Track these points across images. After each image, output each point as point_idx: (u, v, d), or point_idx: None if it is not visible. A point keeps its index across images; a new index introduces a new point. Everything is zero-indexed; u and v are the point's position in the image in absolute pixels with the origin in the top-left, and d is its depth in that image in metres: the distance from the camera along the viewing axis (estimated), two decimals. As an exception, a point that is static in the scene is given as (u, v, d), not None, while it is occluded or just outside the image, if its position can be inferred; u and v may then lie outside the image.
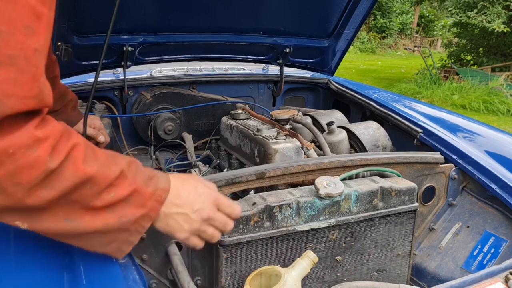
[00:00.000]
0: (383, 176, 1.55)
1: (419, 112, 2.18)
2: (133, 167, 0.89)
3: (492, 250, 1.57)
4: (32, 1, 0.70)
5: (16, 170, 0.72)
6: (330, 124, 1.94)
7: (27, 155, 0.72)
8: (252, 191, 1.54)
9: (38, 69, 0.72)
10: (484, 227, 1.65)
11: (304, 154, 1.75)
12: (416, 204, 1.48)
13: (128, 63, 2.24)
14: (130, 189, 0.85)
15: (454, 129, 1.98)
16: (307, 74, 2.88)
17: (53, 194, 0.76)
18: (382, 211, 1.41)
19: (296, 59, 2.66)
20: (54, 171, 0.76)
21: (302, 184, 1.50)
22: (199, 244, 1.01)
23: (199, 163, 2.03)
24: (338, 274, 1.42)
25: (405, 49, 18.49)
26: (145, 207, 0.88)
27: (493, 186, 1.63)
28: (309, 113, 2.24)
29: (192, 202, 0.97)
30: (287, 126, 1.96)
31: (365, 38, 21.75)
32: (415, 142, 1.96)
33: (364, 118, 2.38)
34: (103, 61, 1.99)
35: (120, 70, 2.34)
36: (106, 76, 2.37)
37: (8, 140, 0.71)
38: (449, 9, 12.05)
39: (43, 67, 0.74)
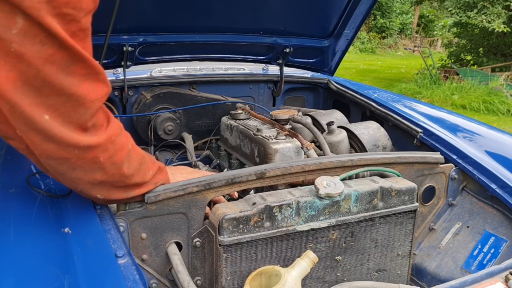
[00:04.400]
0: (383, 176, 1.55)
1: (419, 112, 2.18)
2: (141, 150, 1.21)
3: (492, 250, 1.57)
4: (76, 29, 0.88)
5: (114, 153, 1.01)
6: (330, 124, 1.94)
7: (119, 141, 1.02)
8: (252, 191, 1.54)
9: (99, 71, 0.93)
10: (484, 227, 1.65)
11: (304, 154, 1.75)
12: (416, 204, 1.48)
13: (128, 63, 2.24)
14: (156, 167, 1.22)
15: (454, 129, 1.98)
16: (307, 74, 2.88)
17: (131, 170, 1.09)
18: (382, 211, 1.41)
19: (296, 59, 2.66)
20: (131, 151, 1.08)
21: (302, 184, 1.50)
22: None
23: (199, 163, 2.03)
24: (338, 274, 1.42)
25: (405, 49, 18.49)
26: (163, 174, 1.27)
27: (493, 186, 1.63)
28: (309, 113, 2.24)
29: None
30: (287, 126, 1.96)
31: (365, 38, 21.75)
32: (415, 142, 1.96)
33: (364, 118, 2.37)
34: (103, 61, 1.99)
35: (120, 70, 2.34)
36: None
37: (109, 131, 0.99)
38: (449, 9, 12.06)
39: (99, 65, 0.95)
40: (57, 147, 0.91)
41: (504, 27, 10.12)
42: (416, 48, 13.34)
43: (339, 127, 2.00)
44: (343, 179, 1.39)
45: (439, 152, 1.77)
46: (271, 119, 2.04)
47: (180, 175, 1.35)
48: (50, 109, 0.87)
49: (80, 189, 1.07)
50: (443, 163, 1.73)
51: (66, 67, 0.85)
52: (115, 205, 1.34)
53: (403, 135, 2.05)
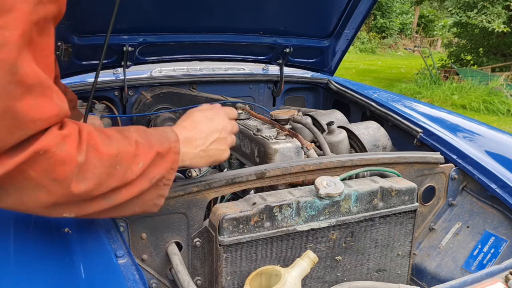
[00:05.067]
0: (383, 176, 1.54)
1: (419, 112, 2.18)
2: (141, 133, 0.97)
3: (492, 250, 1.57)
4: (34, 35, 0.75)
5: (50, 168, 0.78)
6: (330, 124, 1.94)
7: (58, 153, 0.79)
8: (252, 191, 1.54)
9: (49, 89, 0.77)
10: (484, 227, 1.65)
11: (304, 154, 1.75)
12: (416, 204, 1.48)
13: (128, 63, 2.24)
14: (152, 154, 0.94)
15: (454, 129, 1.98)
16: (307, 74, 2.87)
17: (90, 183, 0.84)
18: (382, 211, 1.41)
19: (296, 59, 2.66)
20: (84, 163, 0.82)
21: (302, 184, 1.50)
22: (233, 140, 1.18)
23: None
24: (338, 274, 1.42)
25: (405, 49, 18.49)
26: (167, 162, 0.97)
27: (493, 186, 1.63)
28: (309, 113, 2.24)
29: (204, 130, 1.10)
30: (287, 126, 1.96)
31: (365, 38, 21.75)
32: (415, 142, 1.96)
33: (364, 118, 2.37)
34: (103, 61, 2.00)
35: (120, 70, 2.34)
36: (106, 76, 2.37)
37: (39, 143, 0.77)
38: (449, 9, 12.06)
39: (53, 81, 0.79)
40: None
41: (504, 27, 10.12)
42: (416, 48, 13.34)
43: (339, 127, 2.00)
44: (343, 179, 1.39)
45: (439, 152, 1.77)
46: (271, 119, 2.04)
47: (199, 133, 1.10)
48: None
49: (41, 214, 0.88)
50: (443, 163, 1.73)
51: (10, 71, 0.71)
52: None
53: (403, 135, 2.05)
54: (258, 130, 1.86)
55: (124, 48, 2.13)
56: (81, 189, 0.83)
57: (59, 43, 1.90)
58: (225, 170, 1.96)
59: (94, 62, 2.17)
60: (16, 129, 0.73)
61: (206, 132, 1.10)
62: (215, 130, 1.12)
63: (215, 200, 1.46)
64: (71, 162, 0.80)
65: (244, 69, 2.82)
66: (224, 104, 2.41)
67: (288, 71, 2.75)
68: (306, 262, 1.22)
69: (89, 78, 2.28)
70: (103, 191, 0.87)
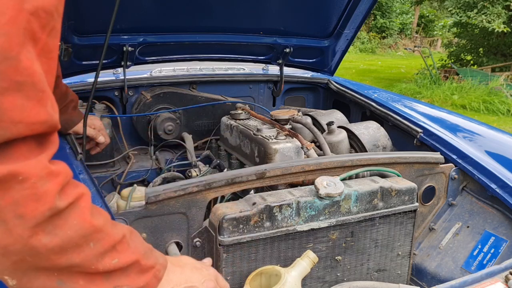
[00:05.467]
0: (383, 176, 1.55)
1: (419, 112, 2.18)
2: (134, 235, 0.86)
3: (492, 250, 1.57)
4: (35, 26, 0.68)
5: (22, 200, 0.67)
6: (330, 124, 1.94)
7: (37, 186, 0.68)
8: (252, 191, 1.54)
9: (45, 94, 0.69)
10: (484, 227, 1.65)
11: (304, 154, 1.75)
12: (416, 204, 1.48)
13: (128, 63, 2.24)
14: (132, 258, 0.81)
15: (454, 129, 1.98)
16: (307, 74, 2.88)
17: (55, 242, 0.70)
18: (382, 211, 1.41)
19: (296, 59, 2.66)
20: (60, 213, 0.71)
21: (302, 184, 1.50)
22: None
23: (199, 163, 2.03)
24: (338, 274, 1.42)
25: (405, 49, 18.49)
26: (143, 280, 0.83)
27: (493, 186, 1.63)
28: (309, 113, 2.24)
29: (190, 278, 0.95)
30: (287, 126, 1.96)
31: (365, 38, 21.75)
32: (415, 142, 1.96)
33: (364, 118, 2.37)
34: (103, 61, 1.99)
35: (120, 70, 2.34)
36: (106, 76, 2.37)
37: (19, 165, 0.66)
38: (449, 9, 12.06)
39: (50, 90, 0.72)
40: None
41: (504, 27, 10.12)
42: (416, 48, 13.34)
43: (339, 127, 2.00)
44: (343, 179, 1.39)
45: (439, 152, 1.77)
46: (271, 119, 2.04)
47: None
48: None
49: None
50: (443, 163, 1.73)
51: None
52: (115, 205, 1.34)
53: (403, 135, 2.05)
54: (258, 130, 1.86)
55: (124, 48, 2.13)
56: (40, 242, 0.69)
57: (59, 43, 1.90)
58: (225, 170, 1.96)
59: (94, 62, 2.17)
60: None
61: (193, 280, 0.96)
62: (199, 281, 0.97)
63: (215, 200, 1.46)
64: (46, 202, 0.68)
65: (244, 69, 2.82)
66: (224, 104, 2.43)
67: (288, 71, 2.75)
68: (306, 262, 1.22)
69: (89, 78, 2.28)
70: (58, 264, 0.72)
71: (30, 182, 0.67)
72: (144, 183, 2.15)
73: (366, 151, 1.91)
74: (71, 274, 0.74)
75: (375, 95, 2.38)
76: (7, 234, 0.67)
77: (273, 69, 2.78)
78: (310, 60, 2.70)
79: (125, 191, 1.30)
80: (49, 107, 0.70)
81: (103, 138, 1.80)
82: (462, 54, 12.86)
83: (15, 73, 0.65)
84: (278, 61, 2.63)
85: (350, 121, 2.24)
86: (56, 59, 0.74)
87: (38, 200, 0.68)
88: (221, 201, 1.51)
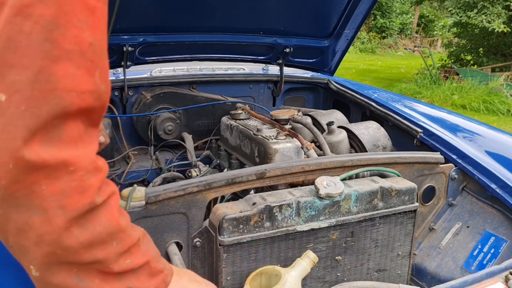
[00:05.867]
0: (383, 176, 1.55)
1: (419, 112, 2.18)
2: (146, 238, 0.87)
3: (492, 250, 1.57)
4: None
5: (68, 191, 0.67)
6: (330, 124, 1.94)
7: (83, 179, 0.69)
8: (252, 191, 1.54)
9: (93, 64, 0.69)
10: (484, 227, 1.65)
11: (304, 154, 1.75)
12: (416, 204, 1.48)
13: (128, 63, 2.24)
14: (143, 260, 0.82)
15: (454, 129, 1.98)
16: (307, 74, 2.88)
17: (85, 236, 0.71)
18: (382, 211, 1.41)
19: (296, 59, 2.66)
20: (95, 209, 0.72)
21: (302, 184, 1.50)
22: None
23: (199, 163, 2.03)
24: (339, 274, 1.42)
25: (405, 49, 18.50)
26: (152, 284, 0.84)
27: (493, 186, 1.63)
28: (309, 113, 2.24)
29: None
30: (287, 126, 1.96)
31: (365, 38, 21.76)
32: (415, 142, 1.96)
33: (364, 118, 2.38)
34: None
35: (120, 70, 2.34)
36: (106, 76, 2.37)
37: (72, 155, 0.67)
38: (449, 9, 12.07)
39: (101, 62, 0.72)
40: None
41: (504, 27, 10.13)
42: (416, 48, 13.34)
43: (339, 127, 2.00)
44: (343, 179, 1.39)
45: (439, 152, 1.77)
46: (271, 119, 2.04)
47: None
48: (11, 88, 0.63)
49: (10, 244, 0.70)
50: (443, 163, 1.73)
51: (48, 29, 0.64)
52: (115, 205, 1.34)
53: (403, 135, 2.06)
54: (258, 130, 1.86)
55: (124, 48, 2.13)
56: (73, 234, 0.69)
57: None
58: (225, 170, 1.96)
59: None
60: (49, 94, 0.64)
61: None
62: None
63: (215, 200, 1.46)
64: (88, 196, 0.70)
65: (244, 69, 2.82)
66: (224, 104, 2.43)
67: (288, 71, 2.75)
68: (306, 262, 1.22)
69: (89, 78, 2.28)
70: (83, 259, 0.72)
71: (78, 174, 0.68)
72: (144, 183, 2.15)
73: (366, 151, 1.91)
74: (89, 272, 0.75)
75: (375, 95, 2.38)
76: (46, 223, 0.67)
77: (273, 69, 2.78)
78: (310, 60, 2.70)
79: (125, 191, 1.30)
80: (97, 77, 0.70)
81: (103, 138, 1.80)
82: (462, 54, 12.86)
83: (65, 41, 0.65)
84: (278, 61, 2.63)
85: (350, 121, 2.24)
86: (106, 29, 0.74)
87: (82, 193, 0.69)
88: (221, 201, 1.51)
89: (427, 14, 24.81)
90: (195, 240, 1.31)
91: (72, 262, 0.72)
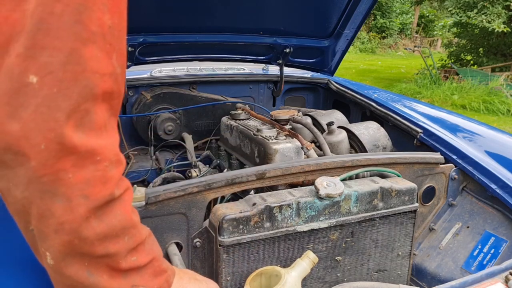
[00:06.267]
0: (383, 176, 1.54)
1: (419, 112, 2.18)
2: (151, 238, 0.87)
3: (492, 250, 1.57)
4: None
5: (92, 181, 0.68)
6: (330, 124, 1.94)
7: (107, 170, 0.69)
8: (252, 192, 1.54)
9: (112, 47, 0.70)
10: (484, 227, 1.65)
11: (304, 154, 1.75)
12: (416, 204, 1.48)
13: (128, 63, 2.24)
14: (148, 259, 0.82)
15: (454, 129, 1.98)
16: (307, 74, 2.88)
17: (101, 227, 0.71)
18: (382, 211, 1.41)
19: (296, 59, 2.66)
20: (112, 202, 0.72)
21: (302, 184, 1.50)
22: None
23: (199, 163, 2.03)
24: (339, 275, 1.42)
25: (405, 49, 18.50)
26: (156, 283, 0.84)
27: (493, 186, 1.63)
28: (309, 113, 2.24)
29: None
30: (287, 126, 1.96)
31: (365, 38, 21.76)
32: (415, 142, 1.96)
33: (364, 118, 2.38)
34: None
35: (120, 70, 2.34)
36: (106, 76, 2.37)
37: (100, 144, 0.68)
38: (449, 9, 12.07)
39: (117, 45, 0.73)
40: (21, 129, 0.62)
41: (504, 27, 10.13)
42: (416, 48, 13.34)
43: (339, 127, 2.00)
44: (343, 180, 1.39)
45: (439, 152, 1.77)
46: (271, 119, 2.04)
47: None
48: (43, 69, 0.63)
49: (31, 225, 0.70)
50: (443, 163, 1.73)
51: (78, 10, 0.65)
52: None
53: (403, 135, 2.05)
54: (258, 130, 1.86)
55: (124, 48, 2.13)
56: (91, 225, 0.70)
57: None
58: (225, 170, 1.96)
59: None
60: (80, 76, 0.65)
61: None
62: None
63: (215, 201, 1.46)
64: (109, 187, 0.70)
65: (244, 69, 2.82)
66: (224, 104, 2.43)
67: (288, 71, 2.75)
68: (306, 262, 1.22)
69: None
70: (96, 251, 0.72)
71: (103, 165, 0.69)
72: (144, 183, 2.15)
73: (366, 151, 1.91)
74: (99, 267, 0.75)
75: (375, 95, 2.38)
76: (68, 211, 0.67)
77: (273, 69, 2.78)
78: (310, 60, 2.70)
79: (125, 192, 1.30)
80: (114, 60, 0.71)
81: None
82: (462, 54, 12.87)
83: (91, 23, 0.66)
84: (278, 61, 2.63)
85: (350, 121, 2.24)
86: (125, 9, 0.75)
87: (105, 183, 0.70)
88: (221, 202, 1.51)
89: (427, 14, 24.81)
90: (195, 241, 1.31)
91: (85, 254, 0.72)
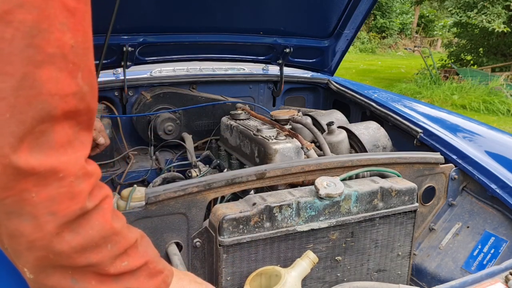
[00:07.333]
0: (383, 176, 1.54)
1: (419, 112, 2.18)
2: (144, 240, 0.87)
3: (492, 250, 1.57)
4: None
5: (58, 198, 0.68)
6: (330, 124, 1.94)
7: (73, 185, 0.69)
8: (252, 191, 1.54)
9: (75, 66, 0.69)
10: (484, 227, 1.65)
11: (304, 154, 1.75)
12: (416, 204, 1.48)
13: (128, 63, 2.24)
14: (142, 261, 0.82)
15: (454, 129, 1.98)
16: (307, 74, 2.88)
17: (77, 240, 0.71)
18: (382, 211, 1.41)
19: (296, 59, 2.66)
20: (87, 214, 0.72)
21: (302, 184, 1.50)
22: None
23: (199, 163, 2.03)
24: (338, 274, 1.42)
25: (405, 49, 18.51)
26: (152, 284, 0.84)
27: (493, 186, 1.63)
28: (309, 113, 2.24)
29: None
30: (287, 126, 1.96)
31: (365, 38, 21.76)
32: (415, 142, 1.96)
33: (364, 118, 2.38)
34: (103, 61, 1.99)
35: (120, 70, 2.34)
36: (106, 76, 2.37)
37: (61, 161, 0.67)
38: (449, 9, 12.07)
39: (83, 63, 0.71)
40: None
41: (504, 27, 10.13)
42: (416, 48, 13.34)
43: (339, 127, 2.00)
44: (343, 180, 1.39)
45: (439, 152, 1.77)
46: (271, 119, 2.04)
47: None
48: None
49: (4, 244, 0.72)
50: (443, 163, 1.73)
51: (30, 34, 0.63)
52: (115, 205, 1.34)
53: (403, 135, 2.05)
54: (258, 130, 1.86)
55: (124, 48, 2.13)
56: (64, 239, 0.70)
57: None
58: (225, 170, 1.96)
59: (94, 62, 2.16)
60: (34, 100, 0.64)
61: None
62: None
63: (215, 201, 1.46)
64: (79, 201, 0.70)
65: (244, 69, 2.82)
66: (224, 104, 2.43)
67: (288, 71, 2.75)
68: (306, 262, 1.22)
69: (89, 78, 2.28)
70: (77, 263, 0.73)
71: (68, 181, 0.68)
72: (144, 183, 2.15)
73: (366, 151, 1.91)
74: (85, 274, 0.75)
75: (375, 95, 2.38)
76: (37, 229, 0.68)
77: (273, 69, 2.78)
78: (310, 60, 2.70)
79: (125, 192, 1.30)
80: (80, 79, 0.70)
81: (103, 140, 1.80)
82: (462, 54, 12.87)
83: (48, 45, 0.65)
84: (278, 61, 2.63)
85: (350, 121, 2.24)
86: (90, 31, 0.74)
87: (72, 199, 0.69)
88: (221, 202, 1.51)
89: (427, 14, 24.81)
90: (195, 241, 1.31)
91: (66, 266, 0.73)
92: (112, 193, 0.83)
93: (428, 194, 1.73)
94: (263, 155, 1.75)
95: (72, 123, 0.70)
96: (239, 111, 2.13)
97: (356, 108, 2.51)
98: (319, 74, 2.85)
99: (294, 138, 1.78)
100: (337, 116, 2.23)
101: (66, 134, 0.69)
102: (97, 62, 2.14)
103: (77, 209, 0.70)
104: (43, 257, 0.70)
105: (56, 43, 0.66)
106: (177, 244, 1.30)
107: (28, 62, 0.63)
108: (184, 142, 2.23)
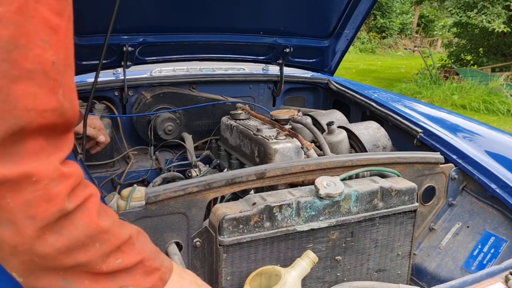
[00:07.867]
0: (383, 176, 1.54)
1: (419, 112, 2.18)
2: (141, 236, 0.87)
3: (492, 250, 1.57)
4: (46, 14, 0.68)
5: (33, 201, 0.68)
6: (330, 124, 1.94)
7: (48, 188, 0.69)
8: (252, 191, 1.54)
9: (56, 82, 0.70)
10: (484, 227, 1.65)
11: (304, 154, 1.75)
12: (416, 204, 1.48)
13: (128, 63, 2.24)
14: (137, 259, 0.82)
15: (454, 129, 1.98)
16: (307, 74, 2.88)
17: (61, 242, 0.71)
18: (382, 211, 1.41)
19: (296, 59, 2.66)
20: (68, 215, 0.72)
21: (302, 184, 1.50)
22: None
23: (199, 163, 2.03)
24: (338, 274, 1.42)
25: (405, 49, 18.50)
26: (148, 282, 0.83)
27: (493, 186, 1.63)
28: (309, 113, 2.24)
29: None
30: (287, 126, 1.96)
31: (365, 38, 21.76)
32: (415, 142, 1.96)
33: (364, 118, 2.38)
34: (103, 61, 1.99)
35: (120, 70, 2.34)
36: (106, 76, 2.37)
37: (32, 166, 0.67)
38: (449, 9, 12.07)
39: (64, 80, 0.72)
40: None
41: (504, 27, 10.13)
42: (416, 48, 13.34)
43: (339, 127, 2.00)
44: (343, 179, 1.39)
45: (439, 152, 1.77)
46: (271, 119, 2.04)
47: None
48: None
49: None
50: (443, 163, 1.73)
51: (5, 49, 0.64)
52: (115, 205, 1.34)
53: (403, 135, 2.05)
54: (258, 130, 1.86)
55: (124, 48, 2.13)
56: (47, 242, 0.70)
57: None
58: (225, 170, 1.96)
59: (94, 62, 2.17)
60: (7, 115, 0.64)
61: None
62: None
63: (215, 200, 1.46)
64: (56, 204, 0.70)
65: (244, 69, 2.82)
66: (224, 104, 2.43)
67: (288, 71, 2.75)
68: (306, 262, 1.22)
69: (89, 78, 2.28)
70: (65, 264, 0.73)
71: (42, 184, 0.68)
72: (144, 183, 2.15)
73: (366, 151, 1.91)
74: (76, 274, 0.75)
75: (375, 95, 2.38)
76: (17, 234, 0.68)
77: (273, 69, 2.78)
78: (310, 60, 2.70)
79: (125, 191, 1.30)
80: (60, 95, 0.70)
81: (103, 138, 1.80)
82: (462, 54, 12.87)
83: (25, 61, 0.65)
84: (278, 61, 2.63)
85: (350, 121, 2.24)
86: (72, 48, 0.74)
87: (49, 201, 0.69)
88: (221, 201, 1.51)
89: (427, 14, 24.81)
90: (195, 240, 1.31)
91: (54, 267, 0.73)
92: (100, 192, 0.83)
93: (428, 194, 1.73)
94: (263, 155, 1.75)
95: (48, 133, 0.70)
96: (239, 111, 2.13)
97: (356, 108, 2.51)
98: (319, 74, 2.85)
99: (294, 138, 1.78)
100: (337, 116, 2.23)
101: (39, 143, 0.69)
102: (97, 62, 2.14)
103: (56, 211, 0.70)
104: (29, 261, 0.71)
105: (36, 59, 0.66)
106: (177, 244, 1.30)
107: (3, 76, 0.64)
108: (184, 142, 2.23)
